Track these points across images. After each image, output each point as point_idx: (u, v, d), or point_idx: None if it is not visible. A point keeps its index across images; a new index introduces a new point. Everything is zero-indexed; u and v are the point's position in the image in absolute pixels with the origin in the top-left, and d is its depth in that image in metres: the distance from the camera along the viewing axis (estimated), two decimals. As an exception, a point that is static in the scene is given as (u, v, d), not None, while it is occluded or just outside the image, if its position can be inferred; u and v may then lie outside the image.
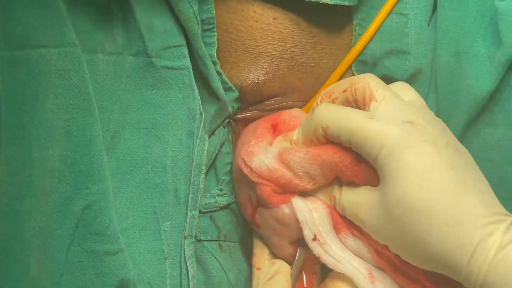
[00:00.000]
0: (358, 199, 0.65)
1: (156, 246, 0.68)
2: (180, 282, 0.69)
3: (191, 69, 0.69)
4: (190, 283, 0.68)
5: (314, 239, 0.67)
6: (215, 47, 0.71)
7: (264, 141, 0.69)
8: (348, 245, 0.67)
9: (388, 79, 0.73)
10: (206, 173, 0.70)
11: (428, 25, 0.75)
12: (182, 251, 0.69)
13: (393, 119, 0.63)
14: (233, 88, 0.72)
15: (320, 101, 0.68)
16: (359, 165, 0.65)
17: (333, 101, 0.68)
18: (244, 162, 0.68)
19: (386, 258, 0.65)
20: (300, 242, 0.69)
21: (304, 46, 0.72)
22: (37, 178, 0.63)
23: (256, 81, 0.72)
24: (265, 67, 0.72)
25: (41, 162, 0.63)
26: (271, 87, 0.72)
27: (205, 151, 0.70)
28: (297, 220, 0.67)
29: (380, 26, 0.74)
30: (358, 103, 0.67)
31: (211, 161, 0.71)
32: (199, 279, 0.70)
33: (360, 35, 0.74)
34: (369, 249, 0.66)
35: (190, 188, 0.69)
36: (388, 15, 0.74)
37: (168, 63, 0.69)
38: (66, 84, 0.64)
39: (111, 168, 0.67)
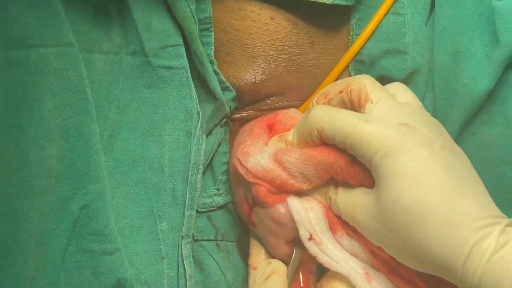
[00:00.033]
0: (354, 200, 0.65)
1: (154, 246, 0.68)
2: (178, 282, 0.69)
3: (189, 69, 0.69)
4: (188, 283, 0.68)
5: (310, 238, 0.67)
6: (213, 47, 0.71)
7: (260, 141, 0.69)
8: (343, 245, 0.67)
9: (385, 79, 0.73)
10: (203, 172, 0.70)
11: (426, 25, 0.75)
12: (180, 251, 0.69)
13: (388, 121, 0.63)
14: (231, 87, 0.72)
15: (316, 102, 0.68)
16: (354, 166, 0.65)
17: (328, 102, 0.68)
18: (240, 162, 0.68)
19: (381, 259, 0.66)
20: (296, 241, 0.69)
21: (301, 45, 0.72)
22: (35, 178, 0.63)
23: (254, 80, 0.72)
24: (262, 66, 0.72)
25: (39, 162, 0.63)
26: (269, 86, 0.72)
27: (203, 151, 0.70)
28: (292, 220, 0.67)
29: (377, 26, 0.74)
30: (354, 104, 0.67)
31: (208, 161, 0.71)
32: (197, 279, 0.70)
33: (357, 34, 0.74)
34: (364, 249, 0.66)
35: (188, 187, 0.69)
36: (385, 15, 0.74)
37: (166, 62, 0.69)
38: (64, 83, 0.64)
39: (108, 167, 0.67)
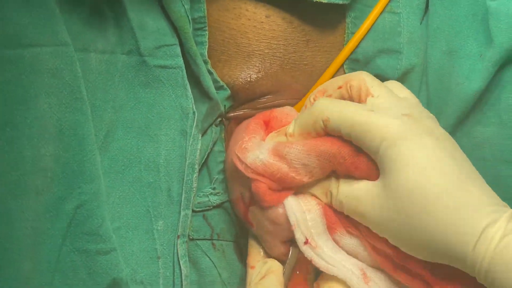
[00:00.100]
0: (357, 193, 0.65)
1: (149, 246, 0.68)
2: (173, 282, 0.68)
3: (184, 68, 0.69)
4: (183, 282, 0.68)
5: (306, 242, 0.67)
6: (206, 46, 0.71)
7: (257, 136, 0.69)
8: (344, 245, 0.67)
9: (380, 78, 0.73)
10: (199, 172, 0.70)
11: (421, 24, 0.75)
12: (175, 251, 0.69)
13: (392, 112, 0.64)
14: (225, 86, 0.72)
15: (314, 99, 0.68)
16: (358, 156, 0.65)
17: (327, 98, 0.68)
18: (239, 158, 0.67)
19: (383, 254, 0.65)
20: (292, 241, 0.68)
21: (297, 44, 0.72)
22: (30, 178, 0.63)
23: (249, 79, 0.72)
24: (257, 65, 0.71)
25: (33, 162, 0.63)
26: (264, 85, 0.72)
27: (198, 150, 0.70)
28: (289, 220, 0.67)
29: (373, 24, 0.74)
30: (354, 100, 0.67)
31: (203, 160, 0.71)
32: (192, 278, 0.70)
33: (353, 33, 0.74)
34: (365, 246, 0.66)
35: (183, 187, 0.69)
36: (381, 13, 0.74)
37: (161, 62, 0.69)
38: (59, 83, 0.64)
39: (103, 167, 0.67)
